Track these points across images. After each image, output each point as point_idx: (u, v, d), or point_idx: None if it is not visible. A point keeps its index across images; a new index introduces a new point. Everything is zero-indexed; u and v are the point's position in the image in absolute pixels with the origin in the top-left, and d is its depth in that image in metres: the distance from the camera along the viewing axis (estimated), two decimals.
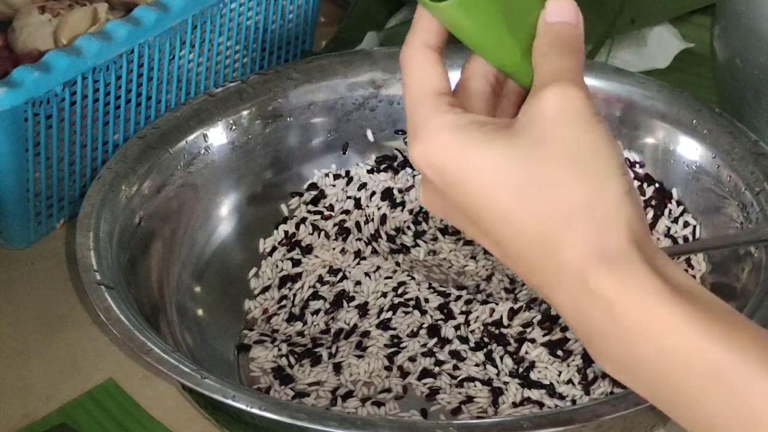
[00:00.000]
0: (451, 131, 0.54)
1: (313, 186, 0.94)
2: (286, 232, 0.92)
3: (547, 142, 0.53)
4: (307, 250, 0.91)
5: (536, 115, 0.54)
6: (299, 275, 0.89)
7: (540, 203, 0.53)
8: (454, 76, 0.58)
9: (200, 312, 0.86)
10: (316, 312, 0.87)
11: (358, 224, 0.92)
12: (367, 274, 0.88)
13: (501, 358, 0.83)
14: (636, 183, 0.91)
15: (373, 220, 0.92)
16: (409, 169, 0.94)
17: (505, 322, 0.85)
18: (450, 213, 0.57)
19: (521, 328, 0.84)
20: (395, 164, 0.95)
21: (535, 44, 0.56)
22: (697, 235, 0.89)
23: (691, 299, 0.51)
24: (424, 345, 0.84)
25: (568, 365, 0.82)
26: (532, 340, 0.83)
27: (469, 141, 0.54)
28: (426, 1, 0.55)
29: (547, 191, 0.53)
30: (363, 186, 0.94)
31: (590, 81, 0.91)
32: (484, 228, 0.55)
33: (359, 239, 0.91)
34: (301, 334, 0.86)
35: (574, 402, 0.80)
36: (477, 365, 0.82)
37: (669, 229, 0.89)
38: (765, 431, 0.49)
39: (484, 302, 0.86)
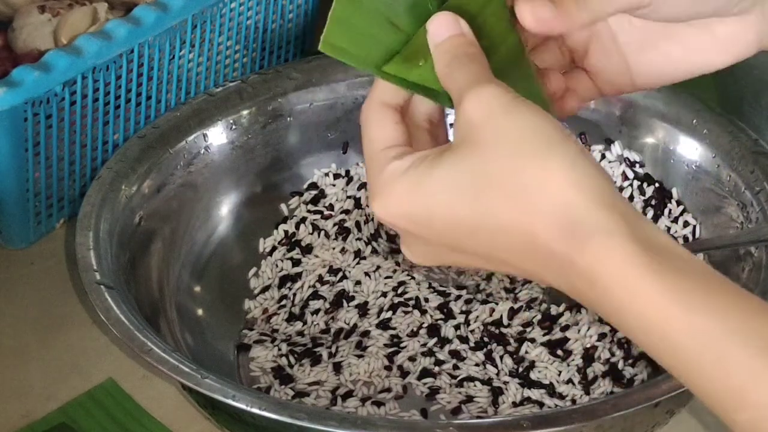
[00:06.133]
0: (399, 177, 0.56)
1: (313, 185, 0.94)
2: (286, 232, 0.92)
3: (480, 146, 0.54)
4: (307, 249, 0.91)
5: (464, 127, 0.55)
6: (299, 275, 0.89)
7: (497, 203, 0.53)
8: None
9: (200, 312, 0.86)
10: (316, 312, 0.87)
11: (358, 224, 0.92)
12: (367, 274, 0.88)
13: (501, 357, 0.83)
14: (636, 183, 0.91)
15: (373, 219, 0.92)
16: None
17: (505, 321, 0.85)
18: (433, 254, 0.58)
19: (521, 328, 0.84)
20: None
21: (437, 71, 0.57)
22: (697, 234, 0.88)
23: (669, 263, 0.51)
24: (424, 345, 0.84)
25: (568, 365, 0.82)
26: (532, 340, 0.83)
27: (416, 178, 0.55)
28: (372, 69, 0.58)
29: (498, 188, 0.53)
30: (363, 185, 0.94)
31: None
32: (466, 247, 0.55)
33: (359, 239, 0.91)
34: (301, 333, 0.86)
35: (574, 402, 0.80)
36: (477, 365, 0.82)
37: (669, 228, 0.89)
38: (747, 403, 0.49)
39: (484, 302, 0.86)
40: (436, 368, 0.82)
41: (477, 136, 0.54)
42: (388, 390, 0.81)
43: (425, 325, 0.85)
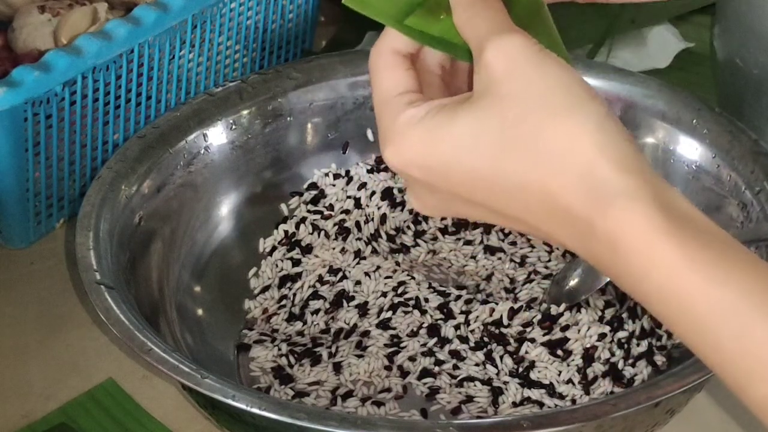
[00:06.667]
0: (415, 125, 0.55)
1: (313, 186, 0.94)
2: (286, 232, 0.92)
3: (504, 98, 0.52)
4: (307, 249, 0.91)
5: (486, 79, 0.53)
6: (299, 275, 0.89)
7: (518, 160, 0.52)
8: None
9: (200, 312, 0.86)
10: (316, 312, 0.87)
11: (358, 224, 0.92)
12: (367, 274, 0.88)
13: (501, 357, 0.83)
14: None
15: (373, 219, 0.92)
16: None
17: (505, 321, 0.85)
18: (444, 205, 0.57)
19: (521, 328, 0.84)
20: None
21: (455, 21, 0.56)
22: None
23: (692, 233, 0.50)
24: (424, 345, 0.84)
25: (568, 365, 0.82)
26: (532, 340, 0.83)
27: (434, 127, 0.54)
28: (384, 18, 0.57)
29: (520, 145, 0.52)
30: (363, 186, 0.94)
31: (590, 80, 0.91)
32: (481, 201, 0.54)
33: (359, 239, 0.91)
34: (301, 333, 0.86)
35: (574, 402, 0.80)
36: (477, 365, 0.82)
37: None
38: (766, 379, 0.48)
39: (484, 302, 0.86)
40: (436, 368, 0.82)
41: (499, 89, 0.53)
42: (388, 390, 0.81)
43: (425, 325, 0.85)
